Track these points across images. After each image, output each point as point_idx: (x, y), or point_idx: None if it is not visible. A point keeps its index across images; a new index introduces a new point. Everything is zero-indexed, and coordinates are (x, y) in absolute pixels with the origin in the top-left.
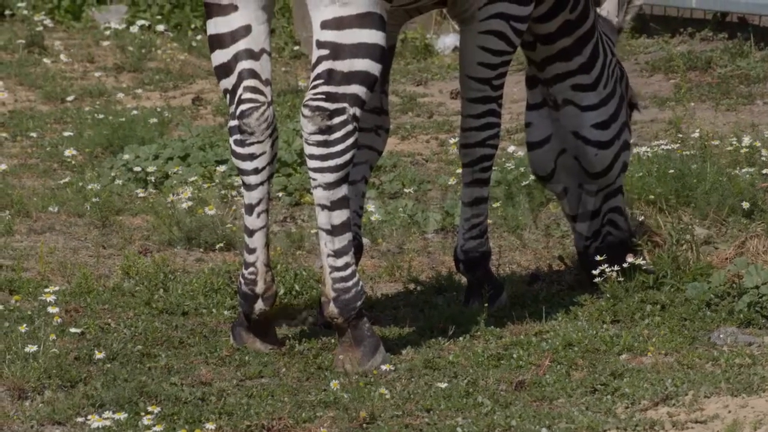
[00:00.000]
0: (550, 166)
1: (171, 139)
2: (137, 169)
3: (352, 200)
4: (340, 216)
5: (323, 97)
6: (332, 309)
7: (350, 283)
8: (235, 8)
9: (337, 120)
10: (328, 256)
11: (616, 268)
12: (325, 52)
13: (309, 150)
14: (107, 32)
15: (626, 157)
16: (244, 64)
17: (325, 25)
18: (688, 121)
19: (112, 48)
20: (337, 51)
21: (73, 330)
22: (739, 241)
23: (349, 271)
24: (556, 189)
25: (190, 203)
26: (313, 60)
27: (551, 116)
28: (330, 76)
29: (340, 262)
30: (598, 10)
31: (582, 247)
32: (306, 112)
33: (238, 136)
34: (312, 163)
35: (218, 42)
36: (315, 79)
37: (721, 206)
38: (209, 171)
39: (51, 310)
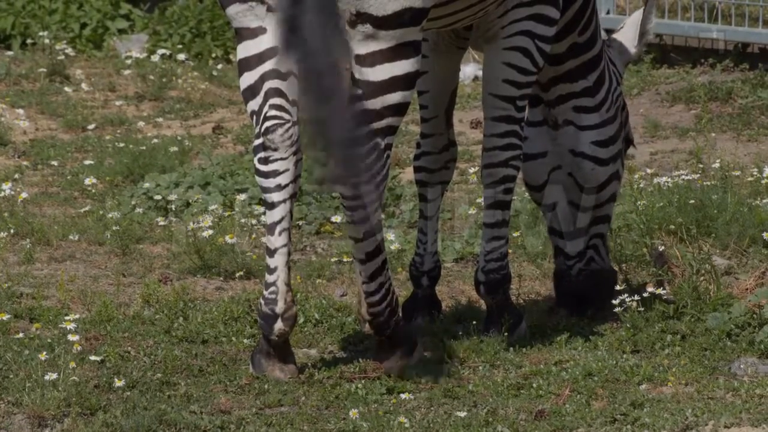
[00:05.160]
0: (543, 178)
1: (191, 167)
2: (158, 197)
3: (430, 234)
4: (371, 244)
5: None
6: (368, 329)
7: (383, 305)
8: (264, 30)
9: (369, 161)
10: (363, 282)
11: (592, 297)
12: (358, 92)
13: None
14: (128, 61)
15: (616, 188)
16: (271, 84)
17: (359, 60)
18: (709, 151)
19: (133, 77)
20: (370, 90)
21: (93, 358)
22: (759, 272)
23: (382, 293)
24: (545, 202)
25: (210, 231)
26: None
27: (550, 135)
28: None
29: (373, 285)
30: (614, 37)
31: (564, 265)
32: None
33: (262, 154)
34: (347, 203)
35: (246, 65)
36: None
37: (741, 237)
38: (229, 199)
39: (71, 338)
